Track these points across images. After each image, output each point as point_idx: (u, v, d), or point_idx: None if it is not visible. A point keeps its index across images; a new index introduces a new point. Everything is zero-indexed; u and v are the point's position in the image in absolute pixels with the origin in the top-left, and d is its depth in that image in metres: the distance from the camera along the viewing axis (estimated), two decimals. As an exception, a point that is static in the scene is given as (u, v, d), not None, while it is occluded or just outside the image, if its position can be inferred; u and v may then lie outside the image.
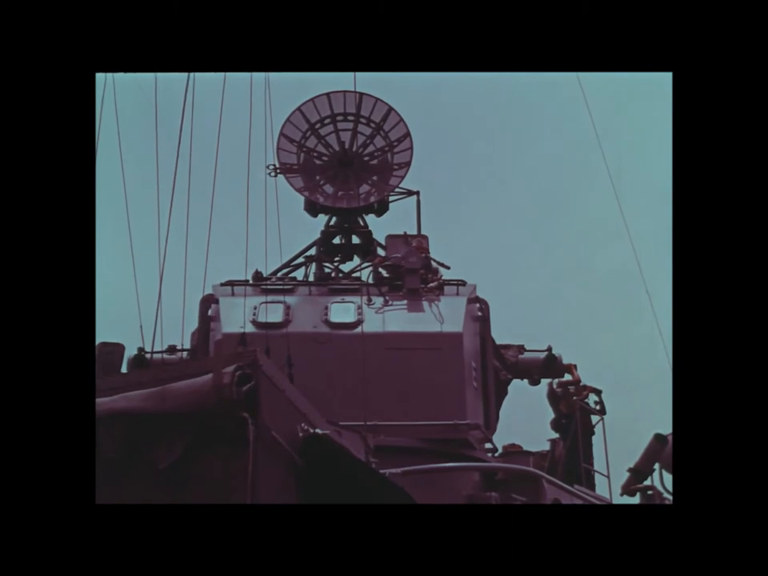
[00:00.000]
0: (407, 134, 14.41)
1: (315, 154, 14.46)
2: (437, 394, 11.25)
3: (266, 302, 11.67)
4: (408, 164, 14.31)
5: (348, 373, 10.44)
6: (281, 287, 12.37)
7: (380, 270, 13.03)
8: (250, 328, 11.10)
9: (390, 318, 11.82)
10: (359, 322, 11.54)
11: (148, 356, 11.77)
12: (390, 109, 14.50)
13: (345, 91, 14.28)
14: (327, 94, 14.45)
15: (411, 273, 12.46)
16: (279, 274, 13.68)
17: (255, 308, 11.51)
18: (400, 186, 14.43)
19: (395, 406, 10.94)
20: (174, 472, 6.09)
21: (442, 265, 13.07)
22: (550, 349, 13.43)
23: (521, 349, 13.26)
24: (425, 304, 12.19)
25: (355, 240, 14.46)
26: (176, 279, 9.53)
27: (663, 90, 6.86)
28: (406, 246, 13.03)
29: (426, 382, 11.24)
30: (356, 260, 14.50)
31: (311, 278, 13.78)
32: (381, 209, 14.49)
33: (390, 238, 13.54)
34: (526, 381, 13.62)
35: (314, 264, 13.92)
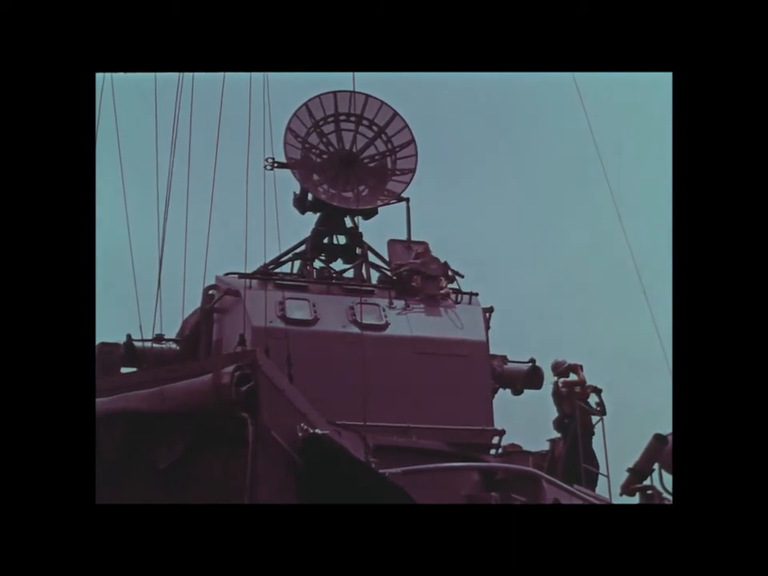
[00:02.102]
0: (411, 141, 14.10)
1: (316, 152, 14.32)
2: (464, 399, 11.42)
3: (292, 298, 11.61)
4: (412, 171, 14.10)
5: (376, 373, 10.47)
6: (300, 283, 12.31)
7: (389, 274, 13.00)
8: (278, 323, 11.04)
9: (415, 323, 11.89)
10: (387, 325, 11.65)
11: (138, 344, 11.83)
12: (395, 114, 14.27)
13: (351, 91, 14.05)
14: (334, 93, 14.15)
15: (430, 279, 12.50)
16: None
17: (281, 303, 11.48)
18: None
19: (423, 409, 11.09)
20: (174, 472, 6.10)
21: (457, 273, 13.06)
22: (533, 361, 13.55)
23: (504, 359, 13.36)
24: (442, 310, 12.28)
25: (344, 241, 14.30)
26: (175, 272, 9.56)
27: (663, 89, 6.87)
28: (408, 252, 13.01)
29: (454, 387, 11.37)
30: (339, 260, 14.38)
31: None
32: (369, 212, 14.33)
33: (392, 243, 13.47)
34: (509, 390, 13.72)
35: (299, 262, 13.80)
